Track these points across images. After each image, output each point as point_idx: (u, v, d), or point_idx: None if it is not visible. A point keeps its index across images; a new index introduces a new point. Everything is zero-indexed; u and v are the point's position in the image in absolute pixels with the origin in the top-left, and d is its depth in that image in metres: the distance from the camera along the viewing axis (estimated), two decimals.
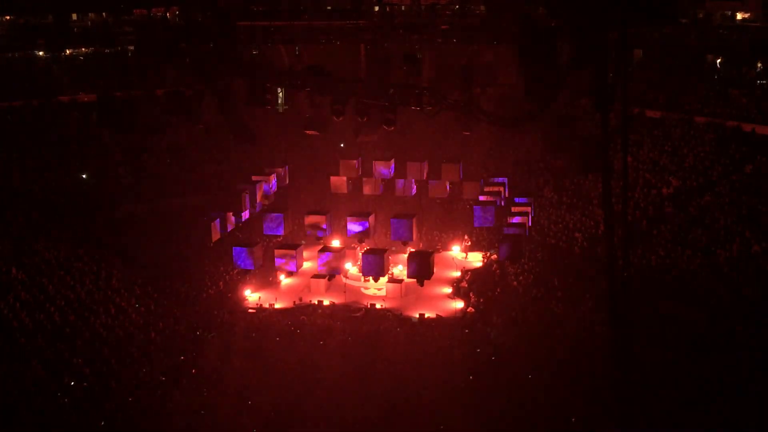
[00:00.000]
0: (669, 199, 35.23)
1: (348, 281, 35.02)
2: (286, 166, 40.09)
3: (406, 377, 26.75)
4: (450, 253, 38.46)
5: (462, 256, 38.03)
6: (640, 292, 26.71)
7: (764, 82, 42.05)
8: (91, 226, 36.05)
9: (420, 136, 41.53)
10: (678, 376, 23.81)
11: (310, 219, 34.28)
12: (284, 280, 36.07)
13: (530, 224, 35.22)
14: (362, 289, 34.95)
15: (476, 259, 37.54)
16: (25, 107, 42.77)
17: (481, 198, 35.31)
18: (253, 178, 37.91)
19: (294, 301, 33.82)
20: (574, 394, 24.01)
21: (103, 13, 55.16)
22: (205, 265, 35.22)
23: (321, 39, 48.91)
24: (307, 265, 35.24)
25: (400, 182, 38.53)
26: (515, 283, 33.00)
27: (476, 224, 34.52)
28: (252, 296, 34.37)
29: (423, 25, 48.80)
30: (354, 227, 33.62)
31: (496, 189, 36.60)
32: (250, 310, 33.10)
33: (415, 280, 30.83)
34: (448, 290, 34.73)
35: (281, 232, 34.15)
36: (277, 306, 33.50)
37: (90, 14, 55.57)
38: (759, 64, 42.31)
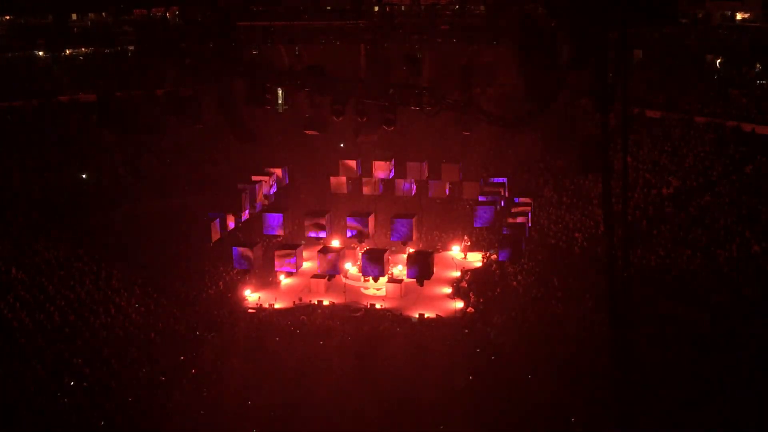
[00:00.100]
0: (669, 199, 35.21)
1: (348, 281, 35.02)
2: (286, 166, 40.08)
3: (406, 377, 26.72)
4: (450, 253, 38.46)
5: (461, 257, 38.03)
6: (640, 292, 26.66)
7: (764, 82, 42.04)
8: (91, 226, 36.00)
9: (420, 136, 41.52)
10: (678, 376, 23.80)
11: (309, 221, 34.13)
12: (284, 280, 36.07)
13: (530, 224, 35.21)
14: (362, 289, 34.95)
15: (476, 259, 37.54)
16: (25, 107, 42.75)
17: (481, 198, 35.30)
18: (253, 178, 37.88)
19: (294, 301, 33.82)
20: (574, 394, 24.01)
21: (103, 13, 55.21)
22: (205, 265, 35.22)
23: (321, 39, 48.92)
24: (307, 265, 35.24)
25: (405, 184, 38.52)
26: (515, 283, 32.99)
27: (476, 224, 34.48)
28: (252, 296, 34.37)
29: (423, 25, 48.82)
30: (353, 227, 33.59)
31: (496, 189, 36.58)
32: (250, 310, 33.09)
33: (414, 280, 30.83)
34: (448, 290, 34.73)
35: (281, 232, 34.14)
36: (277, 306, 33.49)
37: (90, 14, 55.63)
38: (758, 66, 42.30)
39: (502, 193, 36.77)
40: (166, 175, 41.80)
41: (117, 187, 39.97)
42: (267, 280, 35.66)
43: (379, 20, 50.02)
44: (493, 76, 43.59)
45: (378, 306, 33.19)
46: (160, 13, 53.34)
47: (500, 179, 37.93)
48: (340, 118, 29.80)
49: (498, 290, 33.04)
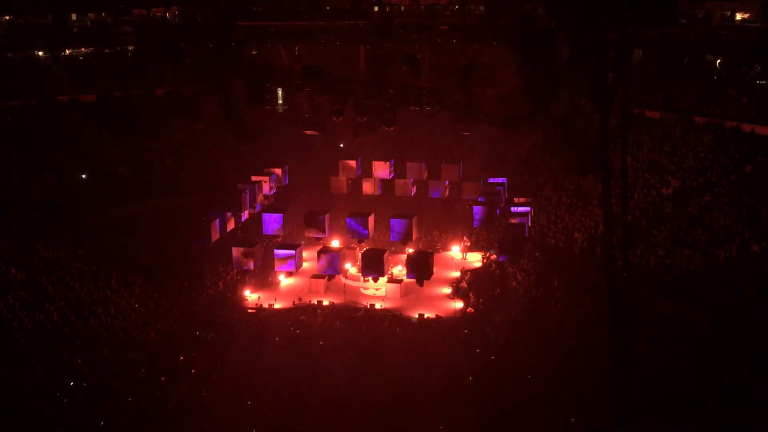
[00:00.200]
0: (669, 199, 35.19)
1: (347, 281, 35.02)
2: (286, 166, 40.09)
3: (406, 377, 26.74)
4: (449, 253, 38.46)
5: (460, 257, 38.03)
6: (640, 292, 26.66)
7: (764, 82, 41.99)
8: (91, 226, 36.03)
9: (420, 136, 41.52)
10: (678, 376, 23.78)
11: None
12: (284, 280, 36.07)
13: (530, 224, 35.20)
14: (362, 290, 34.96)
15: (476, 260, 37.54)
16: (25, 107, 42.78)
17: (481, 198, 35.30)
18: (253, 178, 37.91)
19: (294, 301, 33.82)
20: (574, 394, 24.00)
21: (103, 13, 55.22)
22: (205, 265, 35.22)
23: (321, 39, 48.93)
24: (306, 265, 35.23)
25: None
26: (515, 283, 32.99)
27: (476, 224, 34.47)
28: (252, 296, 34.37)
29: (423, 26, 48.82)
30: (353, 227, 33.60)
31: (496, 189, 36.59)
32: (249, 310, 33.10)
33: (414, 280, 30.82)
34: (448, 290, 34.73)
35: (281, 232, 34.13)
36: (277, 306, 33.50)
37: (90, 14, 55.64)
38: (757, 66, 42.28)
39: (502, 193, 36.78)
40: (166, 175, 41.81)
41: (117, 187, 40.00)
42: (267, 280, 35.66)
43: (379, 20, 50.03)
44: (493, 76, 43.58)
45: (378, 306, 33.18)
46: (159, 13, 53.37)
47: (500, 179, 37.96)
48: (340, 118, 29.81)
49: (498, 290, 33.03)
